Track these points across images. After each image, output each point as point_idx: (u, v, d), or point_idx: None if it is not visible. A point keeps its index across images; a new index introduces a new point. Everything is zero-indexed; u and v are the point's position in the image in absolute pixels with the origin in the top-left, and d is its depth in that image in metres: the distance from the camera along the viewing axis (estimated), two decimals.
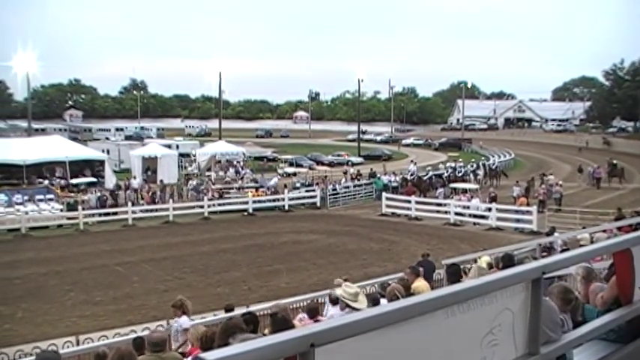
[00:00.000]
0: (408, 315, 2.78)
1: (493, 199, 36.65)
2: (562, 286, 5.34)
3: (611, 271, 5.73)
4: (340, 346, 2.49)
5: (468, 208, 36.53)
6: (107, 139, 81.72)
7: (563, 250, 16.44)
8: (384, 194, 40.76)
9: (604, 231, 18.02)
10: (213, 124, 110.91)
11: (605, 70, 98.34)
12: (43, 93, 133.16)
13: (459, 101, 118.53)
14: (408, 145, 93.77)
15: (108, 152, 54.20)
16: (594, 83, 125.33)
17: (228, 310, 14.64)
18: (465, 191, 39.28)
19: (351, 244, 31.03)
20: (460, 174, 50.02)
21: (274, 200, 41.74)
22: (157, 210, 38.63)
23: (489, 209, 35.16)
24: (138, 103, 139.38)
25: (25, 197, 36.44)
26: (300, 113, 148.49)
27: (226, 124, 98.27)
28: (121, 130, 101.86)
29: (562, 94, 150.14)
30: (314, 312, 10.41)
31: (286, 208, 40.97)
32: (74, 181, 41.59)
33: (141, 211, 37.98)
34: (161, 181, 44.19)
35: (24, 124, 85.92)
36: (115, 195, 39.44)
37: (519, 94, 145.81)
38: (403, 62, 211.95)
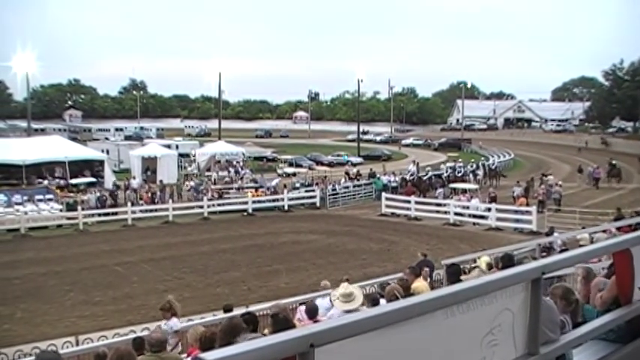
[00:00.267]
0: (408, 315, 2.78)
1: (493, 199, 36.65)
2: (564, 287, 5.35)
3: (611, 270, 5.73)
4: (340, 347, 2.50)
5: (468, 208, 36.53)
6: (107, 139, 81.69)
7: (562, 251, 16.44)
8: (383, 194, 40.76)
9: (604, 231, 18.03)
10: (212, 124, 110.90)
11: (605, 71, 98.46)
12: (42, 93, 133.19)
13: (459, 101, 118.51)
14: (407, 146, 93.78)
15: (107, 152, 54.16)
16: (594, 83, 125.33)
17: (227, 310, 14.62)
18: (464, 191, 39.28)
19: (351, 244, 31.03)
20: (460, 174, 50.01)
21: (274, 200, 41.74)
22: (156, 210, 38.62)
23: (489, 209, 35.16)
24: (137, 103, 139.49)
25: (25, 197, 36.42)
26: (300, 113, 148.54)
27: (226, 124, 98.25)
28: (121, 130, 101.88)
29: (561, 94, 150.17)
30: (313, 312, 10.41)
31: (286, 208, 40.96)
32: (74, 181, 41.57)
33: (140, 211, 37.96)
34: (160, 181, 44.19)
35: (23, 124, 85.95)
36: (115, 195, 39.43)
37: (519, 95, 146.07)
38: (403, 62, 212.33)
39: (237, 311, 13.10)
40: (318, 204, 42.03)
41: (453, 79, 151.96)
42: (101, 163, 45.47)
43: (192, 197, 41.77)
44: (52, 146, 44.42)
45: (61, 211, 36.41)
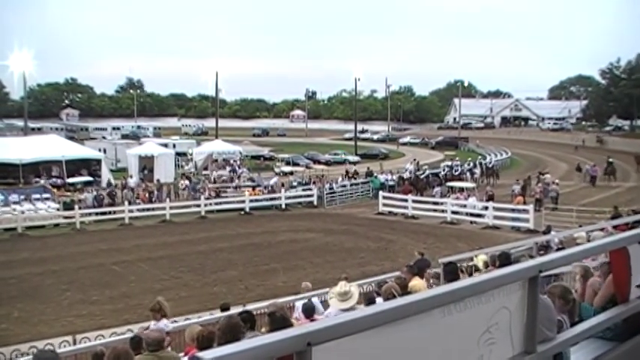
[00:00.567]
0: (405, 314, 2.78)
1: (490, 198, 36.67)
2: (562, 286, 5.35)
3: (603, 269, 5.74)
4: (337, 345, 2.50)
5: (465, 206, 36.54)
6: (104, 138, 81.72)
7: (559, 249, 16.45)
8: (380, 193, 40.76)
9: (601, 229, 18.04)
10: (209, 122, 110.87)
11: (602, 69, 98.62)
12: (39, 92, 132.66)
13: (456, 100, 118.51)
14: (404, 144, 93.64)
15: (104, 151, 54.09)
16: (591, 82, 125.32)
17: (225, 309, 14.61)
18: (461, 190, 39.33)
19: (348, 243, 31.05)
20: (457, 172, 50.01)
21: (271, 199, 41.73)
22: (153, 209, 38.61)
23: (486, 208, 35.19)
24: (134, 102, 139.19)
25: (22, 196, 36.36)
26: (297, 112, 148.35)
27: (223, 122, 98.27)
28: (118, 129, 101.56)
29: (558, 92, 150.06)
30: (310, 311, 10.42)
31: (283, 206, 40.97)
32: (71, 180, 41.53)
33: (137, 210, 37.93)
34: (158, 180, 44.13)
35: (20, 123, 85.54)
36: (113, 195, 39.38)
37: (516, 93, 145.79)
38: (400, 61, 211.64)
39: (235, 310, 13.10)
40: (315, 203, 42.06)
41: (450, 77, 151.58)
42: (98, 162, 45.47)
43: (190, 196, 41.72)
44: (49, 145, 44.37)
45: (58, 210, 36.38)
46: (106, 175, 44.37)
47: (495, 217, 34.11)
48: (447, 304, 3.02)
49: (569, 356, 4.30)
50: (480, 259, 15.06)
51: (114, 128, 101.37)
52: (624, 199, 38.90)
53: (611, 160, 52.81)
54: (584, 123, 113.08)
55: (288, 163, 59.31)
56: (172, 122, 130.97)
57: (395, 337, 2.76)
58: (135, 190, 41.18)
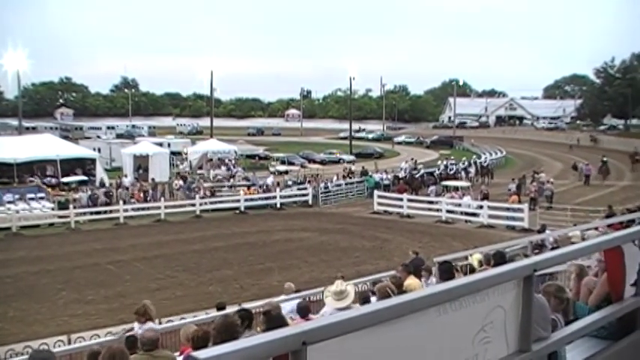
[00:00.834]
0: (400, 313, 2.79)
1: (485, 197, 36.71)
2: (556, 285, 5.36)
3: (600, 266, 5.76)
4: (332, 344, 2.50)
5: (460, 205, 36.59)
6: (98, 137, 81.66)
7: (554, 248, 16.49)
8: (375, 192, 40.80)
9: (595, 228, 18.07)
10: (204, 122, 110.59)
11: (596, 68, 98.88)
12: (33, 91, 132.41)
13: (451, 99, 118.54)
14: (399, 143, 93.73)
15: (99, 150, 54.06)
16: (585, 81, 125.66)
17: (220, 308, 14.60)
18: (456, 189, 39.40)
19: (343, 242, 31.07)
20: (452, 172, 50.09)
21: (266, 198, 41.72)
22: (148, 208, 38.55)
23: (481, 207, 35.23)
24: (129, 102, 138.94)
25: (16, 196, 36.30)
26: (292, 111, 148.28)
27: (218, 122, 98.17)
28: (112, 128, 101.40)
29: (553, 92, 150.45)
30: (305, 311, 10.42)
31: (278, 206, 40.98)
32: (65, 179, 41.48)
33: (132, 209, 37.87)
34: (152, 179, 44.07)
35: (14, 122, 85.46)
36: (110, 194, 39.29)
37: (511, 92, 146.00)
38: (395, 60, 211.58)
39: (230, 309, 13.09)
40: (310, 202, 42.08)
41: (445, 76, 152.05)
42: (93, 161, 45.41)
43: (184, 196, 41.66)
44: (43, 144, 44.31)
45: (52, 209, 36.31)
46: (100, 175, 44.30)
47: (490, 216, 34.15)
48: (443, 303, 3.02)
49: (563, 355, 4.31)
50: (475, 258, 15.07)
51: (108, 127, 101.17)
52: (619, 198, 38.99)
53: (605, 159, 52.93)
54: (578, 122, 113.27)
55: (283, 163, 59.35)
56: (167, 121, 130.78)
57: (390, 336, 2.76)
58: (130, 189, 41.12)
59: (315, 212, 39.99)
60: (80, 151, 47.53)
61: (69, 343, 15.25)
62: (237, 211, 39.50)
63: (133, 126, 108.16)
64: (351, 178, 48.41)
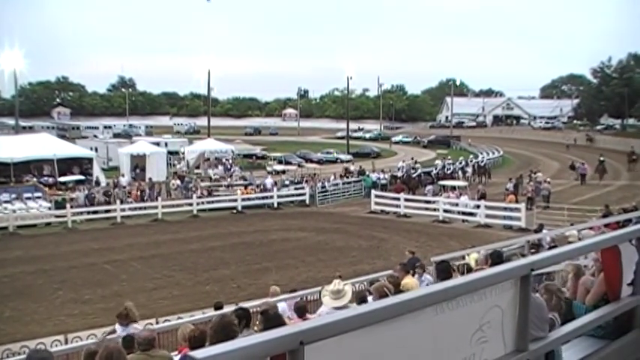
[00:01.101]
0: (398, 312, 2.79)
1: (482, 196, 36.71)
2: (554, 285, 5.37)
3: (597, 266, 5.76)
4: (330, 344, 2.50)
5: (457, 205, 36.60)
6: (95, 136, 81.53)
7: (551, 247, 16.50)
8: (372, 192, 40.81)
9: (591, 228, 18.09)
10: (201, 121, 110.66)
11: (593, 68, 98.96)
12: (30, 90, 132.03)
13: (448, 99, 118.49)
14: (396, 143, 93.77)
15: (96, 150, 53.93)
16: (582, 81, 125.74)
17: (218, 307, 14.60)
18: (453, 188, 39.38)
19: (340, 242, 31.07)
20: (449, 171, 50.11)
21: (263, 198, 41.70)
22: (145, 208, 38.50)
23: (478, 206, 35.25)
24: (126, 101, 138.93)
25: (13, 195, 36.24)
26: (289, 111, 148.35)
27: (215, 121, 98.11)
28: (110, 127, 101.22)
29: (550, 91, 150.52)
30: (302, 310, 10.41)
31: (275, 205, 40.97)
32: (62, 179, 41.34)
33: (129, 209, 37.81)
34: (150, 179, 44.00)
35: (11, 121, 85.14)
36: (109, 194, 39.20)
37: (508, 92, 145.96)
38: (392, 60, 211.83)
39: (228, 309, 13.08)
40: (307, 201, 42.08)
41: (442, 76, 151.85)
42: (90, 160, 45.31)
43: (182, 195, 41.60)
44: (40, 144, 44.17)
45: (49, 209, 36.23)
46: (97, 174, 44.24)
47: (487, 216, 34.18)
48: (440, 303, 3.03)
49: (560, 354, 4.32)
50: (472, 257, 15.08)
51: (105, 127, 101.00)
52: (615, 198, 39.05)
53: (602, 158, 53.01)
54: (575, 122, 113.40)
55: (280, 162, 59.30)
56: (164, 121, 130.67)
57: (388, 336, 2.77)
58: (127, 188, 41.07)
59: (313, 212, 39.98)
60: (77, 151, 47.42)
61: (66, 342, 15.24)
62: (235, 211, 39.47)
63: (130, 125, 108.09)
64: (348, 177, 48.41)
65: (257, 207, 40.61)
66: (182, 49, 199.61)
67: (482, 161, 56.29)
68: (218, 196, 41.49)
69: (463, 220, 35.23)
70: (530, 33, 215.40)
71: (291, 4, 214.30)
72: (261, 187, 43.18)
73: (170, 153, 55.72)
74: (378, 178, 46.16)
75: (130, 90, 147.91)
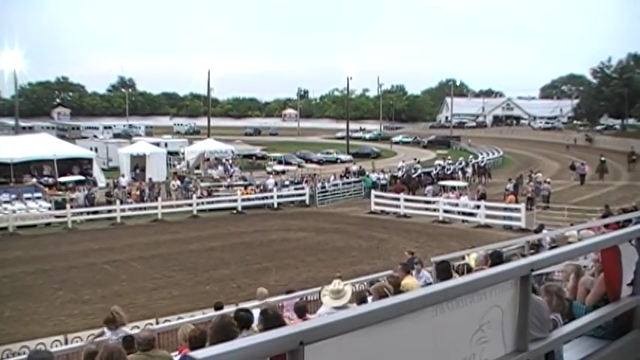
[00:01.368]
0: (398, 312, 2.79)
1: (482, 197, 36.70)
2: (555, 286, 5.37)
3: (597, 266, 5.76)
4: (330, 344, 2.50)
5: (457, 205, 36.59)
6: (95, 137, 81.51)
7: (551, 248, 16.50)
8: (372, 192, 40.81)
9: (591, 228, 18.07)
10: (201, 121, 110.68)
11: (593, 68, 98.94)
12: (30, 91, 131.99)
13: (448, 99, 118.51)
14: (396, 143, 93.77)
15: (96, 150, 53.94)
16: (582, 81, 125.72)
17: (218, 308, 14.60)
18: (453, 189, 39.36)
19: (340, 242, 31.06)
20: (449, 171, 50.09)
21: (263, 198, 41.70)
22: (145, 208, 38.49)
23: (478, 207, 35.24)
24: (126, 101, 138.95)
25: (13, 196, 36.22)
26: (289, 111, 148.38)
27: (215, 121, 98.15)
28: (109, 128, 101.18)
29: (550, 91, 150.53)
30: (302, 311, 10.41)
31: (275, 205, 40.96)
32: (62, 179, 41.34)
33: (129, 209, 37.79)
34: (150, 179, 44.02)
35: (11, 122, 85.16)
36: (111, 195, 39.18)
37: (508, 92, 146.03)
38: (392, 60, 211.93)
39: (228, 309, 13.08)
40: (307, 201, 42.08)
41: (442, 76, 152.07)
42: (90, 161, 45.37)
43: (181, 196, 41.57)
44: (40, 144, 44.22)
45: (49, 209, 36.22)
46: (97, 174, 44.25)
47: (487, 216, 34.17)
48: (440, 303, 3.03)
49: (561, 354, 4.32)
50: (472, 258, 15.06)
51: (105, 127, 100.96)
52: (615, 198, 39.04)
53: (603, 158, 53.00)
54: (575, 122, 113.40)
55: (280, 162, 59.24)
56: (164, 121, 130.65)
57: (387, 336, 2.77)
58: (127, 188, 41.07)
59: (312, 212, 39.98)
60: (77, 151, 47.45)
61: (66, 342, 15.24)
62: (235, 211, 39.47)
63: (130, 126, 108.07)
64: (348, 177, 48.41)
65: (257, 207, 40.60)
66: (182, 49, 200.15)
67: (482, 161, 56.30)
68: (218, 196, 41.48)
69: (463, 221, 35.23)
70: (530, 33, 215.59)
71: (291, 4, 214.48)
72: (262, 187, 43.16)
73: (170, 153, 55.76)
74: (378, 179, 46.15)
75: (130, 90, 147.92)
